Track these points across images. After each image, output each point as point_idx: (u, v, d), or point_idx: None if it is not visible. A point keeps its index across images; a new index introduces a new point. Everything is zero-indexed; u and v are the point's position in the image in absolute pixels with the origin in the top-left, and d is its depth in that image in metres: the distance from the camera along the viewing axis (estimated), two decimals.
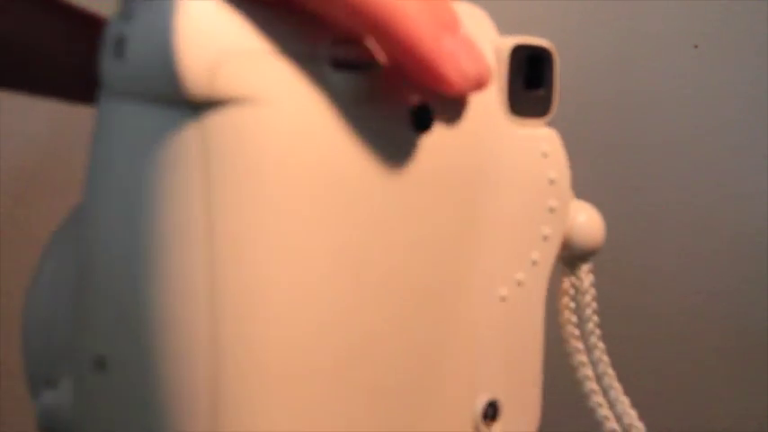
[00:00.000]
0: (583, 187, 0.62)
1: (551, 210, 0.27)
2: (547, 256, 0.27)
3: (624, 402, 0.29)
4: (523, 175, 0.26)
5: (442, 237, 0.23)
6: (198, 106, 0.18)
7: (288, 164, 0.20)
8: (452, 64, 0.19)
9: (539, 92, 0.26)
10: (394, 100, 0.22)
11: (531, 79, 0.26)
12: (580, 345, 0.29)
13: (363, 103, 0.21)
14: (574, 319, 0.29)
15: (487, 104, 0.24)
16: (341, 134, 0.21)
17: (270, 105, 0.19)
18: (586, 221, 0.28)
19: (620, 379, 0.30)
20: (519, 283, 0.26)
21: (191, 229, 0.19)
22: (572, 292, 0.29)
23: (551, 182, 0.26)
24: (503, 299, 0.25)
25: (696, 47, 0.58)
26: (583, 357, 0.29)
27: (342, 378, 0.21)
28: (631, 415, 0.29)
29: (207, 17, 0.18)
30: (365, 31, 0.20)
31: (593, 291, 0.29)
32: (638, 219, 0.58)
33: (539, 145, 0.26)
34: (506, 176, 0.25)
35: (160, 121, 0.19)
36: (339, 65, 0.20)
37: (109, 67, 0.19)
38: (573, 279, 0.29)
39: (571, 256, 0.28)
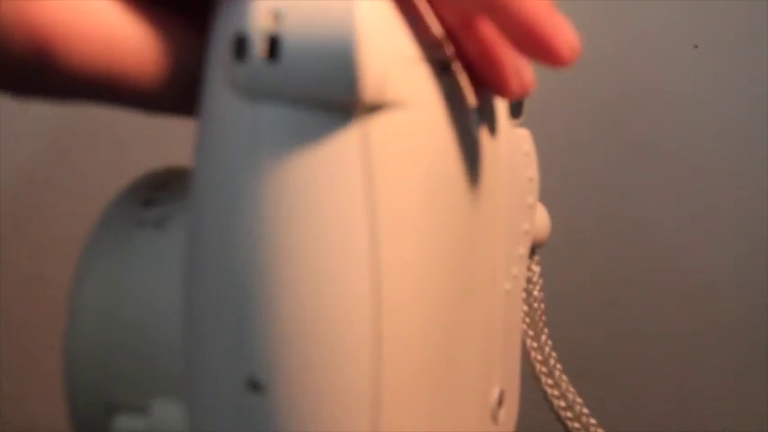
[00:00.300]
0: (583, 186, 0.62)
1: (530, 206, 0.28)
2: (527, 249, 0.28)
3: (564, 380, 0.31)
4: (514, 174, 0.26)
5: (477, 236, 0.24)
6: (361, 111, 0.18)
7: (432, 164, 0.20)
8: (563, 38, 0.21)
9: None
10: (466, 102, 0.22)
11: None
12: (530, 331, 0.31)
13: (455, 104, 0.21)
14: (524, 307, 0.30)
15: (500, 106, 0.25)
16: (454, 134, 0.21)
17: (418, 108, 0.19)
18: (538, 216, 0.30)
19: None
20: (514, 277, 0.27)
21: (354, 233, 0.18)
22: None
23: (530, 180, 0.28)
24: (507, 293, 0.26)
25: (696, 47, 0.58)
26: (533, 342, 0.31)
27: (439, 375, 0.21)
28: (572, 392, 0.31)
29: (377, 19, 0.18)
30: (485, 10, 0.20)
31: (541, 281, 0.31)
32: (638, 218, 0.58)
33: (522, 144, 0.27)
34: (505, 175, 0.25)
35: (316, 125, 0.18)
36: (443, 67, 0.21)
37: (253, 68, 0.18)
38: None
39: None
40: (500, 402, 0.26)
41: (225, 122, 0.19)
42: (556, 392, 0.31)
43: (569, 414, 0.30)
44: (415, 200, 0.19)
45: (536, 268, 0.31)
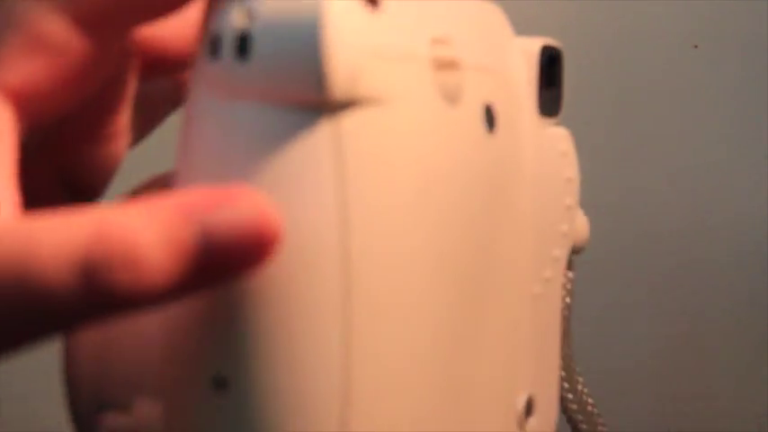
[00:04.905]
0: (582, 185, 0.62)
1: (568, 208, 0.27)
2: (565, 252, 0.27)
3: (581, 385, 0.30)
4: (547, 175, 0.26)
5: (491, 237, 0.23)
6: (333, 108, 0.18)
7: (411, 162, 0.20)
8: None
9: (552, 91, 0.26)
10: (473, 100, 0.22)
11: (544, 79, 0.26)
12: None
13: (454, 102, 0.21)
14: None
15: (525, 105, 0.25)
16: (440, 132, 0.21)
17: (395, 106, 0.19)
18: (577, 219, 0.30)
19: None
20: (547, 281, 0.26)
21: (325, 232, 0.18)
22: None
23: (568, 180, 0.27)
24: (535, 296, 0.26)
25: (696, 47, 0.58)
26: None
27: (432, 375, 0.21)
28: (591, 403, 0.30)
29: (347, 17, 0.18)
30: None
31: (570, 287, 0.30)
32: (638, 218, 0.58)
33: (558, 144, 0.27)
34: (535, 176, 0.25)
35: (287, 123, 0.18)
36: (438, 65, 0.21)
37: (225, 66, 0.18)
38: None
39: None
40: (529, 409, 0.26)
41: (201, 121, 0.19)
42: (570, 396, 0.30)
43: (581, 417, 0.30)
44: (398, 198, 0.19)
45: (570, 275, 0.30)
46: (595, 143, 0.58)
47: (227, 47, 0.18)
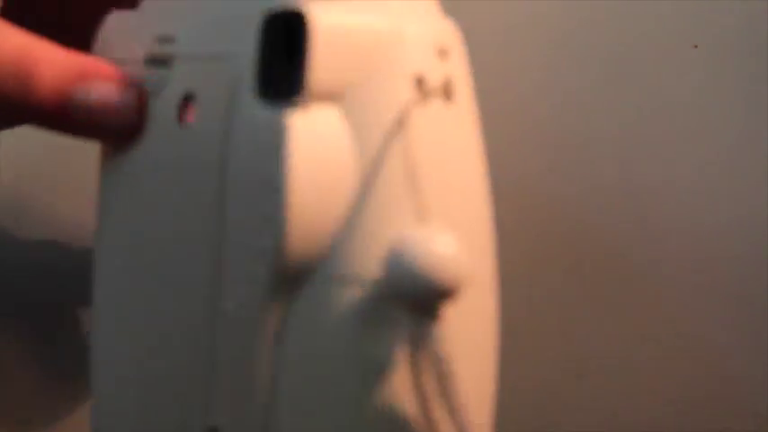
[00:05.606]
0: (581, 188, 0.62)
1: (267, 219, 0.22)
2: (270, 272, 0.22)
3: None
4: (247, 172, 0.22)
5: (184, 235, 0.23)
6: None
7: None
8: None
9: (294, 68, 0.22)
10: (172, 92, 0.23)
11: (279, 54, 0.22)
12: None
13: (155, 97, 0.23)
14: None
15: (240, 86, 0.22)
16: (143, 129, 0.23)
17: None
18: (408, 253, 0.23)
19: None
20: (238, 299, 0.22)
21: None
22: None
23: (269, 183, 0.21)
24: (225, 313, 0.22)
25: (696, 47, 0.58)
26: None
27: None
28: None
29: None
30: None
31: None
32: (637, 219, 0.58)
33: (267, 134, 0.21)
34: (236, 172, 0.22)
35: None
36: (150, 62, 0.22)
37: None
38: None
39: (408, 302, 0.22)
40: None
41: None
42: None
43: None
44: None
45: (431, 332, 0.23)
46: (594, 143, 0.58)
47: None
